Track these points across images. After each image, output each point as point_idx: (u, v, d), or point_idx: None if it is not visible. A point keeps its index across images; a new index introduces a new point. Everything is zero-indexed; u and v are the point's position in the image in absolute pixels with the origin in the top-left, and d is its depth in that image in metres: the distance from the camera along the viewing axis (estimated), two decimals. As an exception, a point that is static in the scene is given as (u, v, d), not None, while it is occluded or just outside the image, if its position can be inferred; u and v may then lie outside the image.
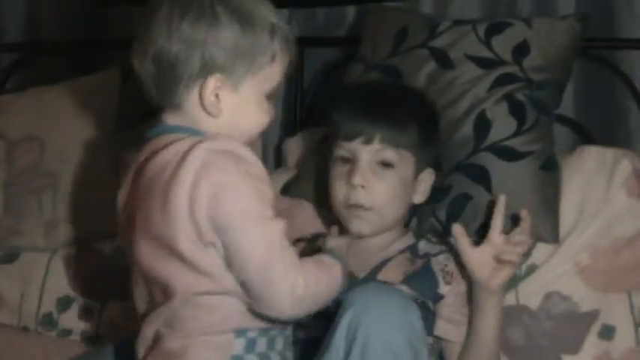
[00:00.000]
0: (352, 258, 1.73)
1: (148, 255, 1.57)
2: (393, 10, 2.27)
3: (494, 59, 2.01)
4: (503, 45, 2.02)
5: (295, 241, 1.95)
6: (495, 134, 1.95)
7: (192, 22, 1.54)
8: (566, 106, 2.21)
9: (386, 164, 1.81)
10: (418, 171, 1.86)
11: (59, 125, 2.34)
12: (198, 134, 1.56)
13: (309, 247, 1.86)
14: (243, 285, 1.51)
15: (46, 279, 2.25)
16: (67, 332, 2.21)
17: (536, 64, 2.00)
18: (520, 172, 1.93)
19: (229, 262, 1.51)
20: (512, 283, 1.92)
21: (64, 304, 2.22)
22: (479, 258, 1.78)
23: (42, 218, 2.28)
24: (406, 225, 1.94)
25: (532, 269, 1.95)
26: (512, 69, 2.00)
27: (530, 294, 1.94)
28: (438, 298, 1.81)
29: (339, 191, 1.83)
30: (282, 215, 2.04)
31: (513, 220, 1.84)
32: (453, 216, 1.93)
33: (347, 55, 2.35)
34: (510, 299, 1.92)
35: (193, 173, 1.51)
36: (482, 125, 1.96)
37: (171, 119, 1.60)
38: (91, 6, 2.73)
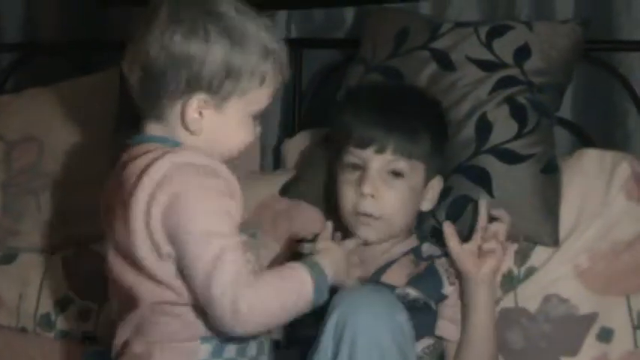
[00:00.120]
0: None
1: (115, 264, 1.58)
2: (393, 11, 2.26)
3: (496, 62, 2.01)
4: (504, 48, 2.02)
5: (296, 242, 1.95)
6: (496, 137, 1.95)
7: (182, 38, 1.53)
8: (565, 108, 2.20)
9: (397, 174, 1.81)
10: (428, 179, 1.86)
11: (58, 126, 2.33)
12: (177, 146, 1.57)
13: (309, 247, 1.87)
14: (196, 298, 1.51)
15: (44, 280, 2.25)
16: (65, 333, 2.21)
17: (537, 68, 2.00)
18: (521, 174, 1.93)
19: (183, 275, 1.51)
20: (511, 285, 1.93)
21: (62, 305, 2.22)
22: (464, 252, 1.80)
23: (40, 219, 2.28)
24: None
25: (531, 272, 1.95)
26: (513, 72, 2.00)
27: (529, 296, 1.93)
28: (442, 298, 1.81)
29: (348, 198, 1.83)
30: (281, 217, 2.07)
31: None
32: (453, 217, 1.93)
33: (345, 57, 2.35)
34: (509, 302, 1.92)
35: (153, 185, 1.51)
36: (484, 128, 1.96)
37: (153, 129, 1.60)
38: (90, 6, 2.73)
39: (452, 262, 1.82)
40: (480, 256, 1.80)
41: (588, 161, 2.02)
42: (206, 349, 1.55)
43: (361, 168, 1.82)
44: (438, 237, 1.92)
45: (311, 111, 2.45)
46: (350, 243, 1.72)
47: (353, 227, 1.83)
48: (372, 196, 1.80)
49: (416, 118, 1.84)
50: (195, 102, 1.55)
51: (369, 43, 2.15)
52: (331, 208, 1.99)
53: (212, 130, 1.58)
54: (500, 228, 1.83)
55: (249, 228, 1.62)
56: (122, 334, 1.60)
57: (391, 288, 1.79)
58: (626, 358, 1.89)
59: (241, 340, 1.55)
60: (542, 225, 1.92)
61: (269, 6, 2.52)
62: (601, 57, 2.24)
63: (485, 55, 2.02)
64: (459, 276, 1.82)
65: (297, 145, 2.27)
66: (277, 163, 2.39)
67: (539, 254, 1.95)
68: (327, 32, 2.52)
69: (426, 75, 2.04)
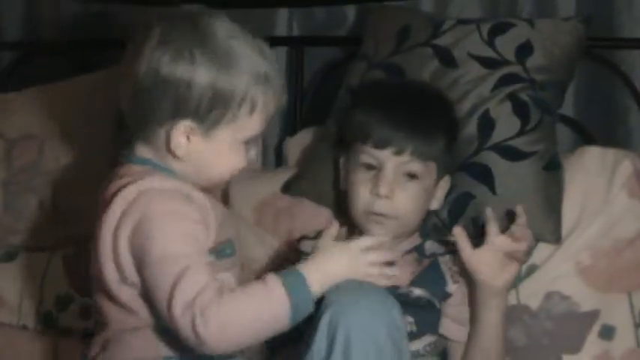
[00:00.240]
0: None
1: (92, 282, 1.60)
2: (395, 8, 2.27)
3: (498, 59, 2.01)
4: (506, 45, 2.02)
5: (298, 240, 1.95)
6: (499, 134, 1.96)
7: (169, 61, 1.52)
8: (567, 105, 2.21)
9: (412, 175, 1.81)
10: (438, 179, 1.87)
11: (58, 124, 2.33)
12: (164, 170, 1.57)
13: (310, 245, 1.87)
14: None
15: (46, 278, 2.25)
16: (67, 331, 2.21)
17: (539, 65, 2.01)
18: (523, 172, 1.93)
19: (148, 299, 1.51)
20: (513, 282, 1.92)
21: (63, 302, 2.22)
22: (480, 259, 1.77)
23: (41, 217, 2.28)
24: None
25: (533, 269, 1.95)
26: (515, 69, 2.00)
27: (531, 294, 1.94)
28: (446, 296, 1.81)
29: (362, 198, 1.82)
30: (283, 214, 2.07)
31: (509, 217, 1.85)
32: (456, 215, 1.93)
33: (347, 55, 2.35)
34: (511, 299, 1.92)
35: (120, 211, 1.52)
36: (486, 125, 1.96)
37: (142, 150, 1.60)
38: (90, 5, 2.73)
39: (462, 267, 1.80)
40: (498, 265, 1.76)
41: (590, 159, 2.02)
42: None
43: (375, 168, 1.82)
44: (439, 234, 1.92)
45: (312, 109, 2.45)
46: (366, 240, 1.62)
47: (364, 226, 1.83)
48: (387, 196, 1.80)
49: (433, 120, 1.84)
50: (182, 128, 1.54)
51: (371, 41, 2.15)
52: (336, 204, 1.99)
53: (200, 155, 1.57)
54: (525, 234, 1.79)
55: (224, 244, 1.61)
56: (92, 350, 1.61)
57: (395, 286, 1.80)
58: (628, 356, 1.90)
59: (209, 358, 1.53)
60: (544, 222, 1.92)
61: (271, 4, 2.52)
62: (603, 55, 2.25)
63: (488, 53, 2.02)
64: (470, 281, 1.80)
65: (298, 143, 2.26)
66: (279, 160, 2.39)
67: (541, 251, 1.95)
68: (328, 30, 2.52)
69: (428, 72, 2.04)
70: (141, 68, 1.53)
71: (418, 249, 1.87)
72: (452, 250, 1.84)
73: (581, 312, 1.91)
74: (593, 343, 1.90)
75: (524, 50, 2.01)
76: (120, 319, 1.57)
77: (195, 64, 1.52)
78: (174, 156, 1.56)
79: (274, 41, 2.53)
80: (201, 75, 1.52)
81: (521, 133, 1.95)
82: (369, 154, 1.82)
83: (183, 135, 1.54)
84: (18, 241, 2.29)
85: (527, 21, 2.07)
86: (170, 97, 1.52)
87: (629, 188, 1.98)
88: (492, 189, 1.92)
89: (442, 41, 2.06)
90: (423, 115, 1.84)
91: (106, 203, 1.55)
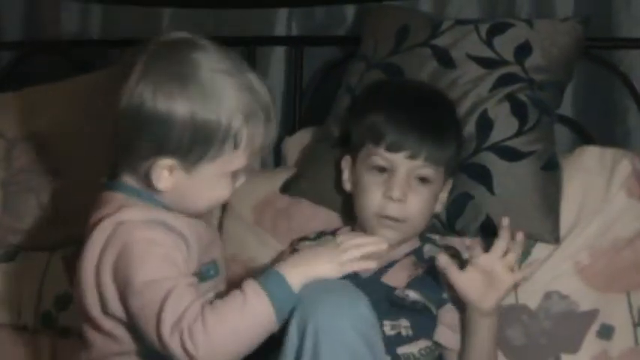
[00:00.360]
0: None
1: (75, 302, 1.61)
2: (394, 8, 2.26)
3: (496, 59, 2.02)
4: (505, 45, 2.02)
5: (298, 241, 1.95)
6: (497, 134, 1.96)
7: (150, 99, 1.49)
8: (565, 105, 2.21)
9: (423, 179, 1.82)
10: (445, 182, 1.88)
11: (58, 124, 2.33)
12: (147, 199, 1.56)
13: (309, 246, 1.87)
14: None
15: (45, 277, 2.25)
16: (66, 330, 2.21)
17: (537, 65, 2.01)
18: (521, 172, 1.93)
19: (133, 326, 1.51)
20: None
21: (63, 302, 2.22)
22: (467, 281, 1.72)
23: (41, 217, 2.28)
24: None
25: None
26: (514, 69, 2.00)
27: (530, 293, 1.93)
28: (443, 303, 1.80)
29: (373, 201, 1.82)
30: (281, 215, 2.07)
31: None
32: (454, 215, 1.93)
33: (346, 54, 2.36)
34: (509, 298, 1.91)
35: (99, 247, 1.52)
36: (484, 125, 1.96)
37: (125, 177, 1.59)
38: (90, 6, 2.73)
39: (451, 288, 1.76)
40: (484, 286, 1.72)
41: (589, 158, 2.02)
42: None
43: (387, 170, 1.82)
44: (438, 235, 1.93)
45: (312, 108, 2.45)
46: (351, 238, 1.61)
47: (373, 228, 1.83)
48: (400, 200, 1.80)
49: (446, 125, 1.86)
50: (164, 164, 1.52)
51: (369, 41, 2.15)
52: (336, 204, 1.99)
53: (183, 188, 1.55)
54: (508, 246, 1.73)
55: (207, 265, 1.61)
56: None
57: (391, 289, 1.80)
58: (627, 355, 1.89)
59: None
60: (542, 222, 1.92)
61: (271, 4, 2.53)
62: (601, 55, 2.24)
63: (486, 53, 2.02)
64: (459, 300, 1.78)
65: (297, 143, 2.27)
66: (278, 160, 2.39)
67: (539, 251, 1.95)
68: (327, 30, 2.52)
69: (426, 72, 2.04)
70: (122, 102, 1.52)
71: (417, 252, 1.87)
72: (451, 254, 1.83)
73: (580, 311, 1.91)
74: (591, 342, 1.90)
75: (523, 50, 2.01)
76: (103, 345, 1.57)
77: (176, 101, 1.49)
78: (156, 189, 1.55)
79: (273, 41, 2.55)
80: (181, 111, 1.49)
81: (519, 133, 1.95)
82: (382, 156, 1.82)
83: (165, 170, 1.53)
84: (18, 241, 2.29)
85: (525, 21, 2.07)
86: (151, 135, 1.50)
87: (627, 188, 1.97)
88: (491, 189, 1.92)
89: (441, 41, 2.06)
90: (437, 121, 1.85)
91: (87, 234, 1.55)
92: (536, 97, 1.99)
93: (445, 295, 1.80)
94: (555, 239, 1.93)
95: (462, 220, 1.93)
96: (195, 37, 1.57)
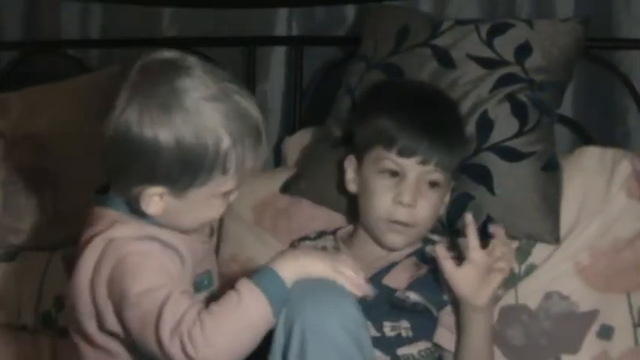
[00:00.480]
0: (358, 259, 1.69)
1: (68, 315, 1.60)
2: (394, 8, 2.26)
3: (497, 59, 2.01)
4: (505, 45, 2.02)
5: (298, 241, 1.95)
6: (497, 134, 1.96)
7: (136, 124, 1.47)
8: (565, 105, 2.20)
9: (433, 184, 1.82)
10: (449, 184, 1.88)
11: (58, 124, 2.33)
12: (140, 217, 1.54)
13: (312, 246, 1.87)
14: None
15: (45, 278, 2.25)
16: (66, 331, 2.19)
17: (538, 65, 2.00)
18: (522, 172, 1.93)
19: (132, 340, 1.50)
20: (512, 282, 1.92)
21: (63, 302, 2.21)
22: (462, 277, 1.73)
23: (41, 217, 2.28)
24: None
25: (531, 269, 1.95)
26: (514, 69, 2.00)
27: (530, 293, 1.94)
28: (443, 305, 1.80)
29: (383, 205, 1.82)
30: (281, 215, 2.07)
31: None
32: (455, 215, 1.93)
33: (346, 54, 2.36)
34: (510, 299, 1.93)
35: (92, 265, 1.51)
36: (485, 125, 1.96)
37: (118, 196, 1.57)
38: (90, 5, 2.73)
39: (446, 283, 1.76)
40: (478, 281, 1.72)
41: (589, 159, 2.02)
42: None
43: (397, 174, 1.81)
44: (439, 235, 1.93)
45: (312, 108, 2.45)
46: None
47: (381, 233, 1.84)
48: (410, 205, 1.80)
49: (456, 132, 1.87)
50: (153, 191, 1.51)
51: (370, 41, 2.15)
52: (336, 204, 1.99)
53: (174, 211, 1.54)
54: (505, 251, 1.75)
55: (202, 276, 1.61)
56: None
57: (392, 291, 1.80)
58: (627, 356, 1.89)
59: None
60: (542, 222, 1.92)
61: (271, 4, 2.53)
62: (601, 55, 2.24)
63: (486, 53, 2.02)
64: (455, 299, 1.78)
65: (297, 143, 2.27)
66: (278, 160, 2.39)
67: (539, 251, 1.95)
68: (328, 30, 2.52)
69: (426, 72, 2.04)
70: (109, 128, 1.50)
71: (418, 254, 1.87)
72: (452, 255, 1.84)
73: (580, 312, 1.91)
74: (591, 343, 1.90)
75: (523, 51, 2.01)
76: (96, 358, 1.56)
77: (161, 129, 1.47)
78: (146, 213, 1.53)
79: (274, 41, 2.55)
80: (166, 140, 1.47)
81: (519, 133, 1.95)
82: (393, 161, 1.81)
83: (155, 197, 1.52)
84: (18, 241, 2.30)
85: (525, 21, 2.07)
86: (139, 164, 1.49)
87: (627, 188, 1.97)
88: (491, 189, 1.92)
89: (441, 42, 2.06)
90: (448, 126, 1.86)
91: (80, 251, 1.54)
92: (537, 97, 1.99)
93: (446, 297, 1.80)
94: (555, 239, 1.93)
95: (462, 220, 1.92)
96: (182, 57, 1.54)
